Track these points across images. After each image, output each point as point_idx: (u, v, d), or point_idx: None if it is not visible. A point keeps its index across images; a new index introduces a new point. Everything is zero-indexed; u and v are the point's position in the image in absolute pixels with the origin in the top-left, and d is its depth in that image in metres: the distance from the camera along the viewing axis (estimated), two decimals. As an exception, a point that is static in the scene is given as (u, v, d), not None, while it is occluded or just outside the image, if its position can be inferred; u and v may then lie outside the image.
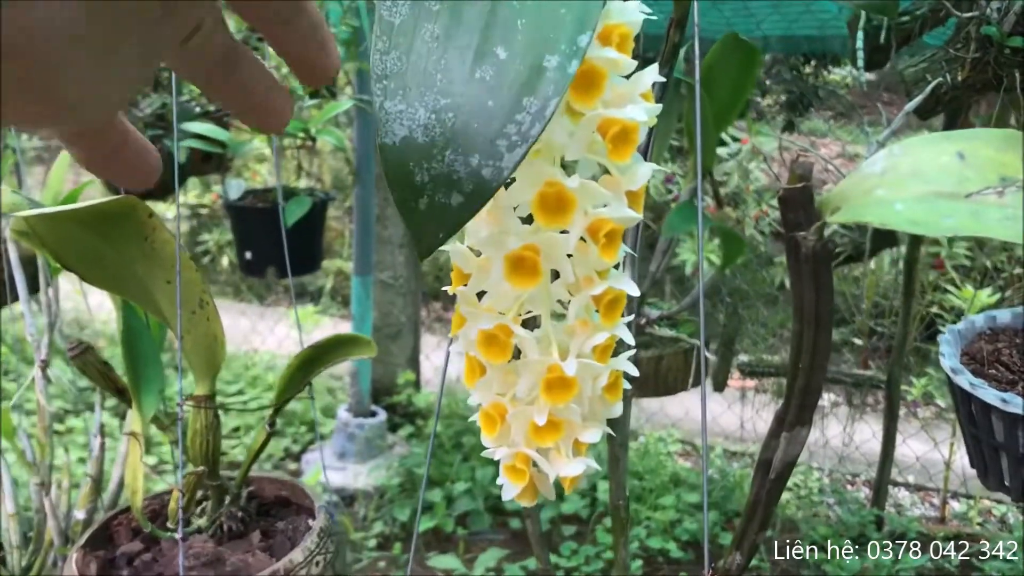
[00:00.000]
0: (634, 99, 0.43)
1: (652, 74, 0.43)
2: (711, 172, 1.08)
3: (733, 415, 3.28)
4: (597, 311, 0.44)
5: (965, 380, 0.96)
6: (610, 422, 0.49)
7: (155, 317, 0.70)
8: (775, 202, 4.49)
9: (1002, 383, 0.99)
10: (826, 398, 3.53)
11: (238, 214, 2.16)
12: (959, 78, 1.50)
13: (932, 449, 3.03)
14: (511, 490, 0.46)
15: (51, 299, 0.89)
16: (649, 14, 0.44)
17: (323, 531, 0.73)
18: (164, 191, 2.08)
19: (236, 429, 3.28)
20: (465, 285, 0.46)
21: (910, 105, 1.55)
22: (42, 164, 4.33)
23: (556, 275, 0.45)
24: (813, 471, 3.23)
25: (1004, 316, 1.11)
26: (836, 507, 2.99)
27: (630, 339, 0.45)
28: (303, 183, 2.64)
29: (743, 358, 3.14)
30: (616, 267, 0.45)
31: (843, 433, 3.16)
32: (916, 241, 2.28)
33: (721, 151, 4.36)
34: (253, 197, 2.16)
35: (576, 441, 0.46)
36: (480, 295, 0.46)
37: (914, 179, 0.42)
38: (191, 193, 4.48)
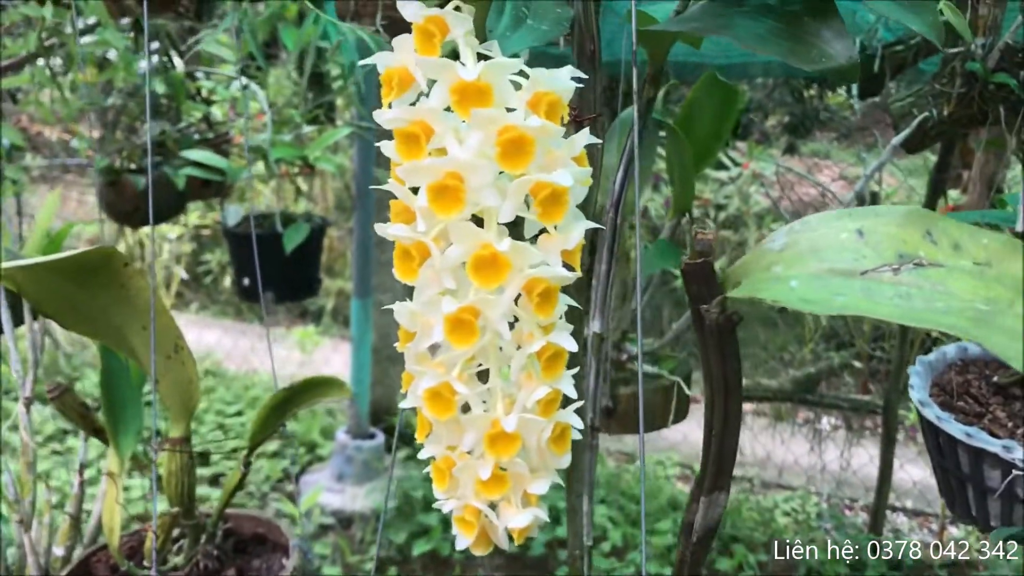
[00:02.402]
0: (566, 163, 0.44)
1: (584, 137, 0.45)
2: (690, 210, 1.09)
3: (731, 439, 3.27)
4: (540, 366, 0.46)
5: (932, 413, 0.97)
6: (570, 470, 0.50)
7: (132, 360, 0.71)
8: (775, 225, 4.50)
9: (969, 415, 1.00)
10: (825, 422, 3.53)
11: (236, 240, 2.18)
12: (945, 113, 1.51)
13: (930, 474, 3.02)
14: (463, 541, 0.47)
15: (36, 338, 0.90)
16: (580, 79, 0.46)
17: (296, 569, 0.74)
18: (161, 217, 2.10)
19: (234, 450, 3.29)
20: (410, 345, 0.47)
21: (896, 139, 1.57)
22: (46, 183, 4.37)
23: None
24: (811, 496, 3.22)
25: (975, 348, 1.12)
26: (834, 532, 2.98)
27: (573, 393, 0.47)
28: (302, 206, 2.66)
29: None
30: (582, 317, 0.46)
31: (841, 458, 3.16)
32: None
33: (721, 175, 4.38)
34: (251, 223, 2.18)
35: (525, 492, 0.47)
36: (434, 348, 0.48)
37: (811, 256, 0.43)
38: (192, 214, 4.50)
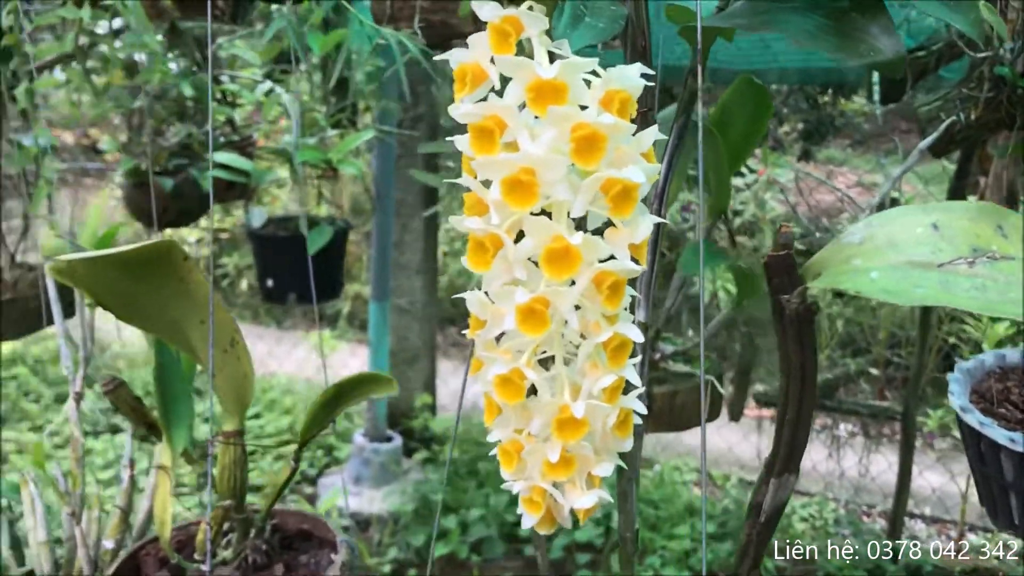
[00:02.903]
0: (636, 159, 0.45)
1: (652, 134, 0.46)
2: (726, 211, 1.10)
3: (749, 444, 3.28)
4: (605, 355, 0.47)
5: (974, 419, 0.97)
6: (621, 456, 0.51)
7: (187, 355, 0.72)
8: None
9: (1011, 422, 1.00)
10: (842, 428, 3.53)
11: (261, 242, 2.19)
12: (972, 117, 1.52)
13: (949, 481, 3.02)
14: (529, 520, 0.49)
15: (86, 334, 0.92)
16: (650, 75, 0.47)
17: (345, 565, 0.75)
18: (187, 219, 2.12)
19: (251, 453, 3.31)
20: (481, 331, 0.48)
21: (924, 143, 1.57)
22: (67, 186, 4.39)
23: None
24: (829, 502, 3.22)
25: (1014, 355, 1.12)
26: (852, 538, 2.98)
27: (637, 380, 0.48)
28: (323, 210, 2.68)
29: (759, 387, 3.15)
30: (630, 307, 0.47)
31: (859, 464, 3.15)
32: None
33: (737, 181, 4.38)
34: (275, 225, 2.20)
35: (589, 474, 0.48)
36: (499, 336, 0.49)
37: (890, 249, 0.45)
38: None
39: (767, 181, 4.39)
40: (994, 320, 3.29)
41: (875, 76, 2.13)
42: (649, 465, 3.50)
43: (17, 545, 0.94)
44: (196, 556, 0.78)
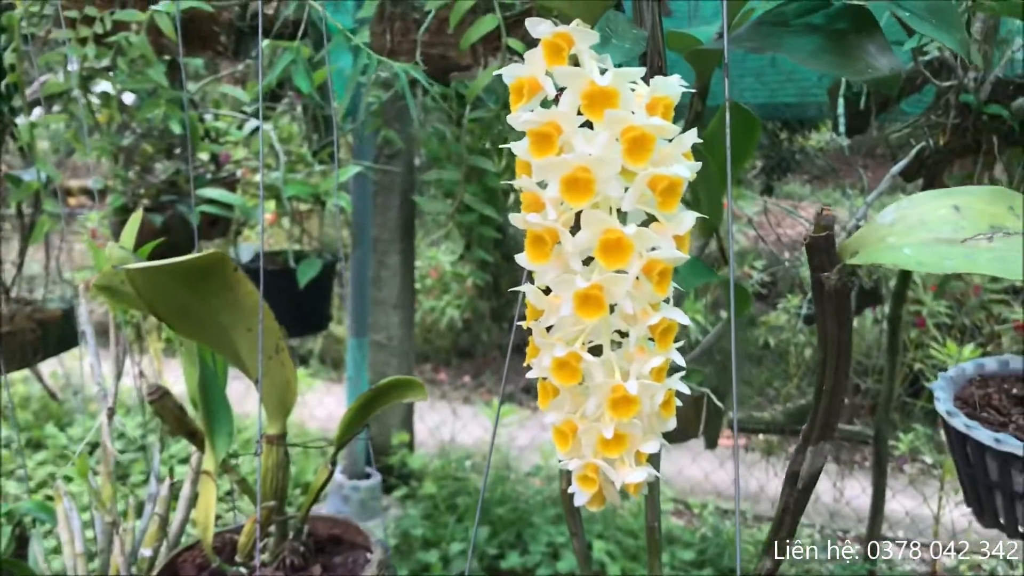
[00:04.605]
0: (678, 159, 0.50)
1: (692, 137, 0.51)
2: (718, 229, 1.15)
3: (725, 472, 3.33)
4: (652, 339, 0.51)
5: (960, 422, 1.02)
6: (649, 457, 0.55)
7: (233, 362, 0.76)
8: (757, 263, 4.60)
9: (994, 425, 1.06)
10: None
11: (250, 276, 2.21)
12: (940, 143, 1.59)
13: (921, 504, 3.09)
14: (582, 497, 0.53)
15: (120, 352, 0.95)
16: (687, 86, 0.52)
17: (382, 563, 0.79)
18: (176, 253, 2.14)
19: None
20: (537, 321, 0.53)
21: (895, 168, 1.65)
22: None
23: (610, 310, 0.52)
24: (804, 527, 3.27)
25: (991, 364, 1.19)
26: (828, 563, 3.02)
27: (681, 361, 0.52)
28: (299, 247, 2.71)
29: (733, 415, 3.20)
30: (666, 301, 0.52)
31: (833, 489, 3.21)
32: (899, 299, 2.37)
33: (703, 215, 4.47)
34: (264, 260, 2.22)
35: (638, 452, 0.52)
36: (547, 329, 0.53)
37: (920, 228, 0.51)
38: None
39: (730, 214, 4.47)
40: (961, 344, 3.39)
41: (840, 107, 2.21)
42: (626, 496, 3.53)
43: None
44: (237, 559, 0.80)
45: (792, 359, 4.22)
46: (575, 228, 0.50)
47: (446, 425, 3.86)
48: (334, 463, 0.85)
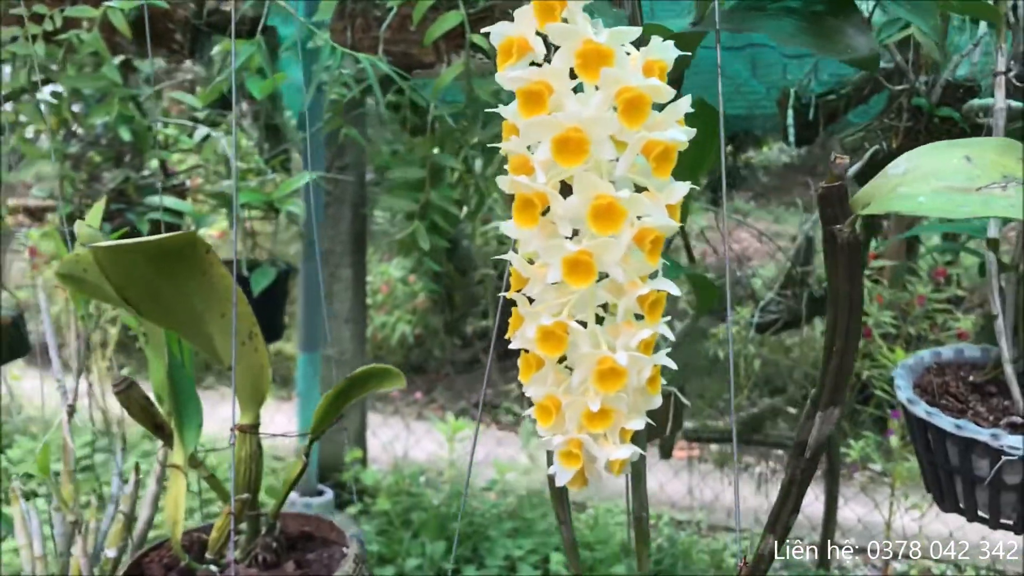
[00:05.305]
0: (672, 124, 0.49)
1: (686, 104, 0.50)
2: (683, 224, 1.16)
3: (680, 483, 3.33)
4: (640, 310, 0.50)
5: (921, 409, 1.03)
6: (633, 438, 0.54)
7: (204, 349, 0.73)
8: (709, 275, 4.63)
9: (953, 412, 1.07)
10: (764, 466, 3.62)
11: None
12: (894, 145, 1.62)
13: (872, 510, 3.12)
14: (564, 475, 0.51)
15: (80, 347, 0.91)
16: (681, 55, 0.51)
17: (357, 558, 0.76)
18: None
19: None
20: (521, 290, 0.51)
21: (852, 170, 1.67)
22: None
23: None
24: (756, 536, 3.28)
25: (947, 352, 1.20)
26: (783, 571, 3.04)
27: (670, 335, 0.51)
28: (252, 256, 2.67)
29: (687, 424, 3.21)
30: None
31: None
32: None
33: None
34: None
35: (623, 429, 0.51)
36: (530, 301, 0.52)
37: (932, 177, 0.51)
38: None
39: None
40: (908, 352, 3.45)
41: (790, 118, 2.24)
42: (582, 508, 3.52)
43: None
44: (208, 556, 0.77)
45: (742, 370, 4.25)
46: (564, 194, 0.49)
47: (399, 441, 3.82)
48: (308, 455, 0.82)
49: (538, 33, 0.50)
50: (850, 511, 3.12)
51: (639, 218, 0.48)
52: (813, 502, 3.10)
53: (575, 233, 0.50)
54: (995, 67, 1.03)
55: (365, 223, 3.25)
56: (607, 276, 0.50)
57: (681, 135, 0.48)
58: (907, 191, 0.52)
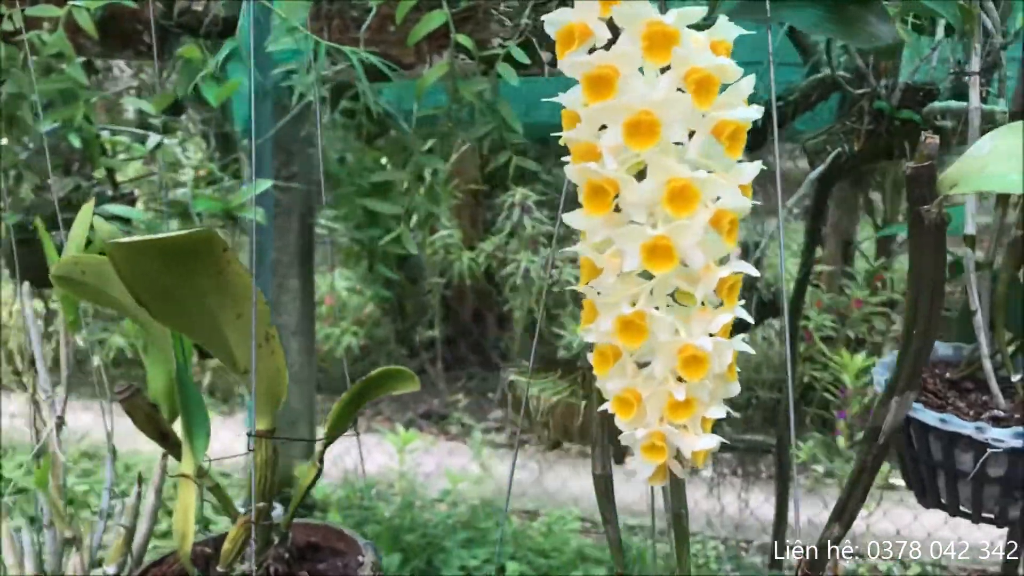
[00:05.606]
0: (739, 103, 0.49)
1: (749, 83, 0.50)
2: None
3: (632, 488, 3.34)
4: (719, 295, 0.49)
5: (905, 404, 1.04)
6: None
7: (218, 352, 0.69)
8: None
9: (933, 407, 1.08)
10: (711, 470, 3.66)
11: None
12: (856, 148, 1.65)
13: (822, 511, 3.17)
14: (647, 469, 0.50)
15: (68, 356, 0.87)
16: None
17: (374, 565, 0.74)
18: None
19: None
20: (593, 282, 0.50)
21: (814, 173, 1.69)
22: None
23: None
24: (708, 539, 3.31)
25: (925, 349, 1.22)
26: (735, 573, 3.07)
27: (750, 319, 0.50)
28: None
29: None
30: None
31: (739, 499, 3.27)
32: (796, 311, 2.43)
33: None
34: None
35: (703, 419, 0.50)
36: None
37: (1016, 157, 0.52)
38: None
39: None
40: (852, 354, 3.53)
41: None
42: (534, 516, 3.52)
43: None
44: (218, 568, 0.74)
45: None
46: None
47: (350, 455, 3.76)
48: (321, 461, 0.79)
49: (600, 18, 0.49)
50: (800, 512, 3.16)
51: (713, 200, 0.48)
52: (763, 504, 3.14)
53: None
54: (969, 67, 1.05)
55: (312, 233, 3.20)
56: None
57: (753, 113, 0.48)
58: (996, 170, 0.52)
